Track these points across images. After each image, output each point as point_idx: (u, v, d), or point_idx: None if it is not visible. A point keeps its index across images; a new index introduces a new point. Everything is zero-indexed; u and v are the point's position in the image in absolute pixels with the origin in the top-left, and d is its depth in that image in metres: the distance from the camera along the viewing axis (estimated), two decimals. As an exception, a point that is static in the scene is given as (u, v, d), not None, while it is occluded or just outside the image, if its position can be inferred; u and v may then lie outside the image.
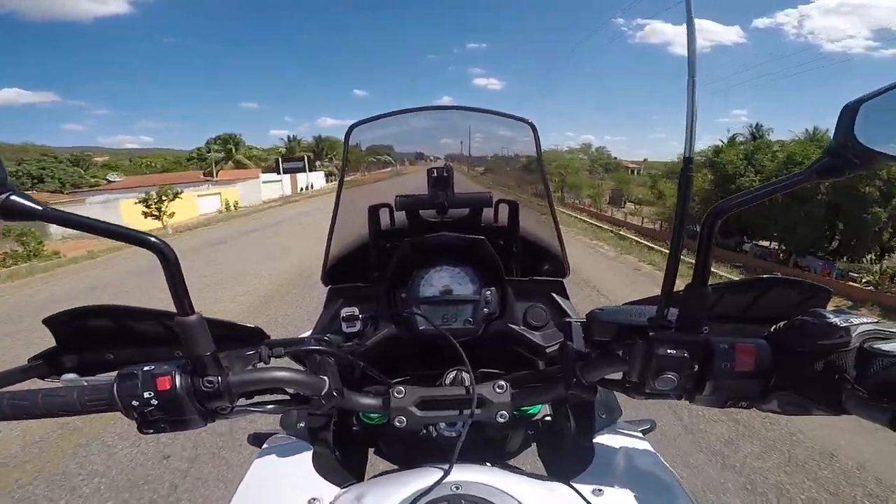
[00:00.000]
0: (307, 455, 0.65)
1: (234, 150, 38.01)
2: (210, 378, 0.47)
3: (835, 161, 0.40)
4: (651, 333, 0.46)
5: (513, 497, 0.48)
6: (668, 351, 0.45)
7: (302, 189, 32.73)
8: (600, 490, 0.54)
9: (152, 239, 0.43)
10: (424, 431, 0.70)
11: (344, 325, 0.74)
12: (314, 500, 0.56)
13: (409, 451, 0.75)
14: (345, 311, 0.74)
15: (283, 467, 0.64)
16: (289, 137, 47.02)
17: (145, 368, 0.47)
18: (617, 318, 0.52)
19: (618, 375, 0.54)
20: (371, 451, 0.82)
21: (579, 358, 0.55)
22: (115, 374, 0.48)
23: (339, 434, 0.73)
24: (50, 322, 0.59)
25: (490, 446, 0.73)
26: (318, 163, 41.66)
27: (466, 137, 0.80)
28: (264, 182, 29.60)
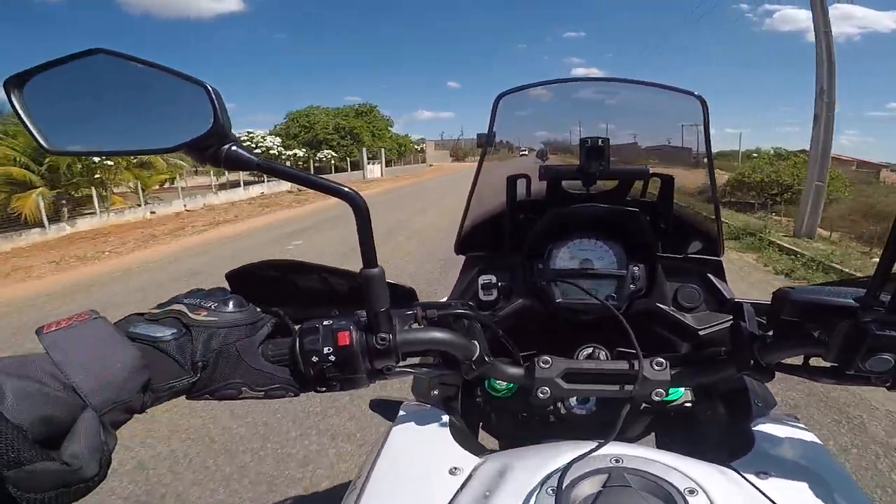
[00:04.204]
0: (444, 423, 0.65)
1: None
2: (383, 335, 0.47)
3: None
4: (862, 313, 0.44)
5: (682, 473, 0.46)
6: (886, 331, 0.43)
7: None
8: (765, 474, 0.52)
9: (346, 189, 0.44)
10: (552, 408, 0.70)
11: (482, 293, 0.74)
12: (455, 469, 0.55)
13: (524, 427, 0.74)
14: (483, 279, 0.74)
15: (422, 434, 0.64)
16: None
17: (325, 323, 0.48)
18: (815, 298, 0.50)
19: (798, 360, 0.52)
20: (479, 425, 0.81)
21: (755, 339, 0.53)
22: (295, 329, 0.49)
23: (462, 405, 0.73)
24: (231, 276, 0.60)
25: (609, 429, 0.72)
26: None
27: (614, 115, 0.78)
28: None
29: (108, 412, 0.37)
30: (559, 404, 0.69)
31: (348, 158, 28.74)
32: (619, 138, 0.77)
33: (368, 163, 28.99)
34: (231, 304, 0.49)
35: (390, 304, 0.54)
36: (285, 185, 18.04)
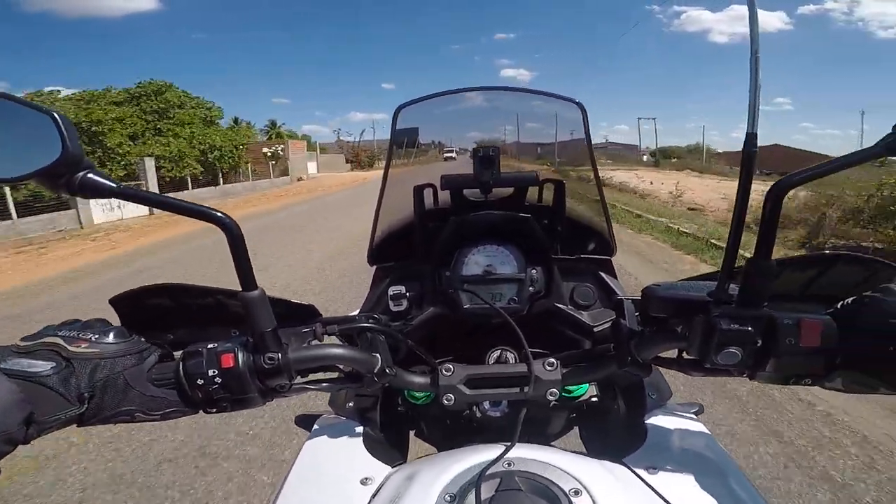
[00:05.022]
0: (357, 435, 0.66)
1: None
2: (271, 355, 0.48)
3: None
4: (713, 308, 0.46)
5: (568, 474, 0.48)
6: (732, 325, 0.45)
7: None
8: (654, 468, 0.54)
9: (218, 214, 0.44)
10: (468, 412, 0.71)
11: (391, 304, 0.75)
12: (367, 479, 0.56)
13: (451, 432, 0.76)
14: (392, 290, 0.75)
15: (335, 447, 0.65)
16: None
17: (209, 346, 0.48)
18: (675, 294, 0.51)
19: (673, 353, 0.54)
20: (412, 433, 0.83)
21: (633, 335, 0.55)
22: (179, 353, 0.49)
23: (383, 415, 0.74)
24: (116, 302, 0.59)
25: (531, 429, 0.72)
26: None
27: (511, 120, 0.80)
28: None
29: None
30: (474, 408, 0.71)
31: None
32: (519, 145, 0.78)
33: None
34: (112, 335, 0.48)
35: (290, 322, 0.55)
36: None
